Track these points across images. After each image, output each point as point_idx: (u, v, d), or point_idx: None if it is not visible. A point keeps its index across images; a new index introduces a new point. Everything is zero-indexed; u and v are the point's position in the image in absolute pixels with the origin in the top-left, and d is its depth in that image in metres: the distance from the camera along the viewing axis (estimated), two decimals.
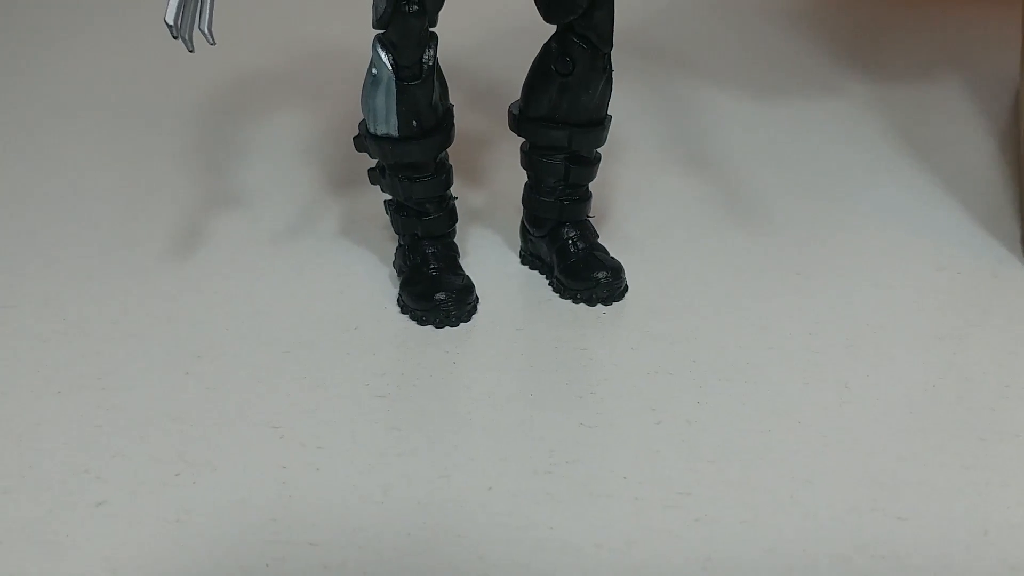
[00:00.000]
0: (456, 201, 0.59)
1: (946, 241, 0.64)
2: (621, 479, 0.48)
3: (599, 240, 0.60)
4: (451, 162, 0.57)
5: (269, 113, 0.80)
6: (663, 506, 0.46)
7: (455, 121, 0.56)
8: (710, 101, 0.82)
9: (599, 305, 0.59)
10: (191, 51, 0.49)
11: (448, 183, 0.57)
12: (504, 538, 0.45)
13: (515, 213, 0.63)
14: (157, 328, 0.57)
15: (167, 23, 0.48)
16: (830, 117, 0.80)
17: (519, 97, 0.57)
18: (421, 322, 0.57)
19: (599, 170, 0.59)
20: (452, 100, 0.56)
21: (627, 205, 0.68)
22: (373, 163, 0.57)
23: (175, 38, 0.48)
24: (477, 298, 0.58)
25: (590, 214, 0.61)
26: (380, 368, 0.54)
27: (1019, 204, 0.67)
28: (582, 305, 0.59)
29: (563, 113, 0.56)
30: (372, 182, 0.58)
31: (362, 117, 0.55)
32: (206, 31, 0.49)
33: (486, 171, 0.71)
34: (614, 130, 0.58)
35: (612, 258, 0.60)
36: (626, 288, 0.60)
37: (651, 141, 0.76)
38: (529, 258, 0.62)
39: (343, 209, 0.67)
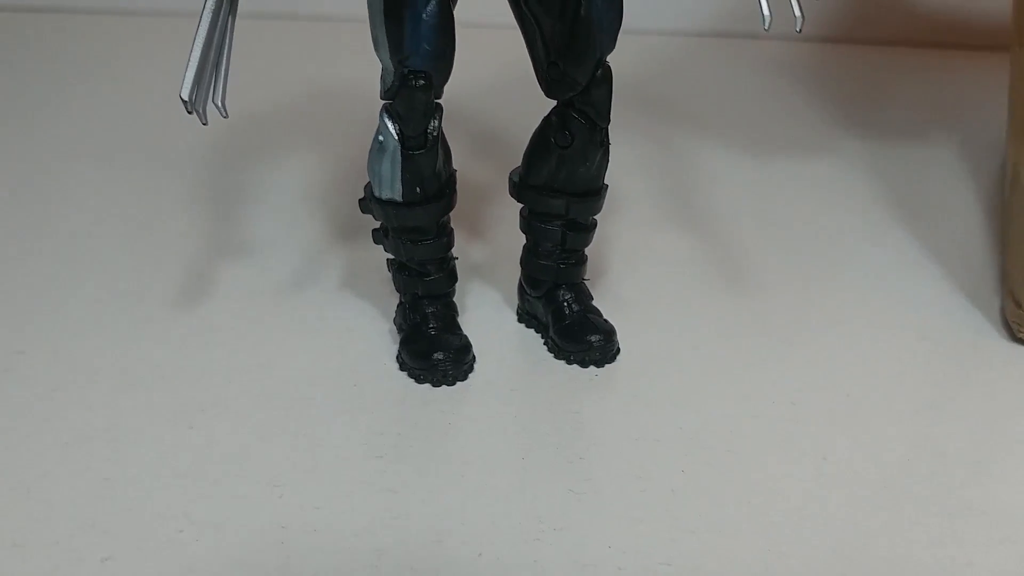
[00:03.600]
0: (457, 261, 0.61)
1: (929, 311, 0.66)
2: (606, 548, 0.49)
3: (593, 302, 0.62)
4: (454, 217, 0.59)
5: (278, 163, 0.82)
6: None
7: (456, 186, 0.58)
8: (705, 159, 0.84)
9: (592, 367, 0.61)
10: (205, 124, 0.51)
11: (449, 245, 0.59)
12: None
13: (514, 269, 0.64)
14: (163, 379, 0.59)
15: (182, 98, 0.49)
16: (824, 176, 0.82)
17: (520, 164, 0.60)
18: (419, 380, 0.59)
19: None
20: (456, 157, 0.58)
21: (621, 266, 0.69)
22: (377, 223, 0.59)
23: (190, 112, 0.50)
24: (474, 357, 0.60)
25: (585, 277, 0.63)
26: (378, 427, 0.56)
27: (1001, 276, 0.68)
28: (575, 367, 0.61)
29: (561, 183, 0.58)
30: (376, 242, 0.60)
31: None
32: (220, 104, 0.51)
33: (487, 227, 0.73)
34: (610, 187, 0.60)
35: (605, 321, 0.62)
36: (618, 351, 0.61)
37: (645, 199, 0.77)
38: (526, 317, 0.64)
39: (347, 261, 0.69)
